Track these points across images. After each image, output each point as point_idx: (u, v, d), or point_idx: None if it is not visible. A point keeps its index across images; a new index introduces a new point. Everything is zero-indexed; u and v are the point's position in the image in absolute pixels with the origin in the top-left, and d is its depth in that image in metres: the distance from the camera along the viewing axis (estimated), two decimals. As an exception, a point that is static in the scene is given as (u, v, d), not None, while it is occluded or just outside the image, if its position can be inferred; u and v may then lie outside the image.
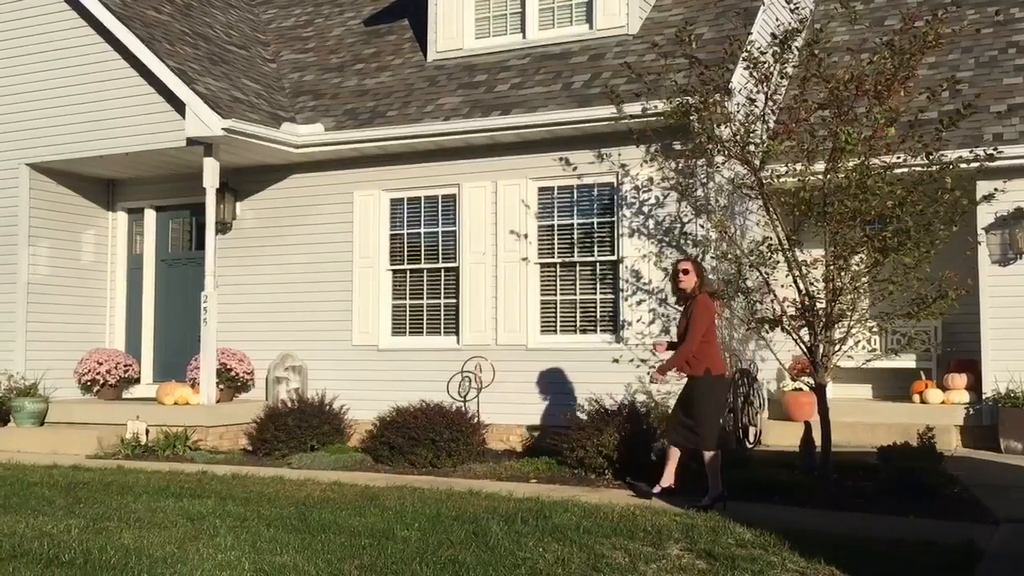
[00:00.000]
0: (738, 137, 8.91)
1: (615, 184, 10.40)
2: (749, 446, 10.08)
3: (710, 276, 8.80)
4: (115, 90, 11.50)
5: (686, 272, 7.74)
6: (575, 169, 10.51)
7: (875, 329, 9.50)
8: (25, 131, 12.09)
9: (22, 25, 12.15)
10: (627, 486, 8.13)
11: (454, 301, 11.17)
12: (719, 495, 7.37)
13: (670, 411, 8.21)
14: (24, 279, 12.13)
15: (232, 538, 6.33)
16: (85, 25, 11.66)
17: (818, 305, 8.59)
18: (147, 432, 10.67)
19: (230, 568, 5.60)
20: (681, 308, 7.98)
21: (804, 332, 8.74)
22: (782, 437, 10.31)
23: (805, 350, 8.72)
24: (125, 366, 12.53)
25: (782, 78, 9.00)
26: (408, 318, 11.46)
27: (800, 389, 10.81)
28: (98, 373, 12.26)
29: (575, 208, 10.65)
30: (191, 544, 6.18)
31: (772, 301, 9.01)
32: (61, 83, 11.83)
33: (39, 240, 12.31)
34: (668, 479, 7.75)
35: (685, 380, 7.80)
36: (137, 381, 12.78)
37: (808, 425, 8.77)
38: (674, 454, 7.76)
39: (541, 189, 10.79)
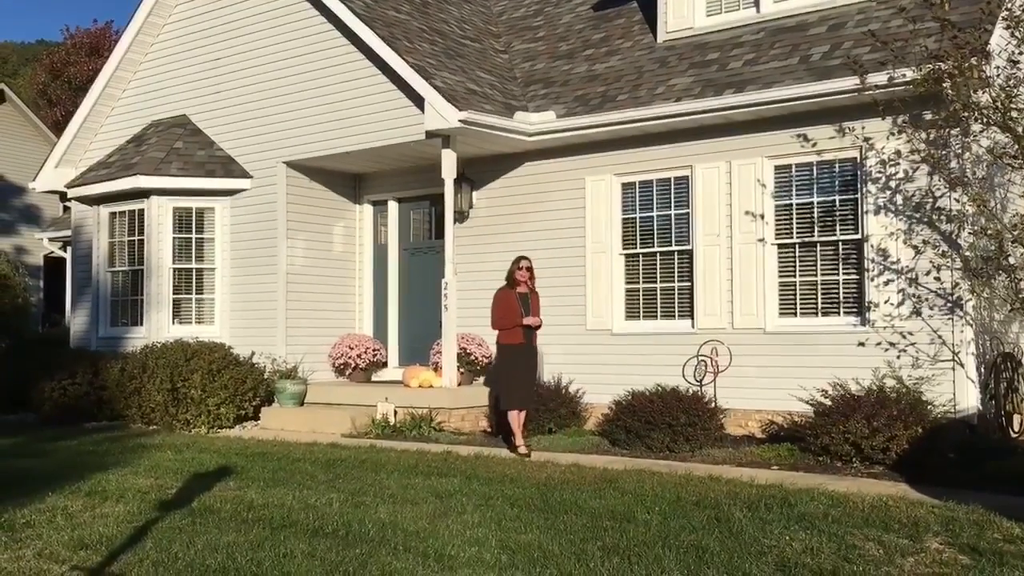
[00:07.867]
0: (998, 103, 8.31)
1: (858, 159, 9.90)
2: (1013, 435, 9.35)
3: None
4: (359, 88, 12.15)
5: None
6: (814, 145, 10.09)
7: None
8: (281, 131, 13.00)
9: (276, 32, 13.05)
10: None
11: (688, 284, 11.02)
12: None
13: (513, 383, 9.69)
14: (283, 269, 13.06)
15: (478, 516, 6.56)
16: (332, 28, 12.38)
17: (1094, 283, 7.86)
18: (395, 413, 11.24)
19: (478, 544, 5.80)
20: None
21: (1078, 312, 8.02)
22: (1051, 427, 9.51)
23: (1079, 332, 8.00)
24: (374, 350, 13.24)
25: (1049, 36, 8.27)
26: (641, 302, 11.43)
27: (1072, 375, 9.91)
28: (349, 357, 13.03)
29: (814, 186, 10.23)
30: (440, 520, 6.46)
31: (1039, 279, 8.33)
32: (311, 84, 12.63)
33: (295, 233, 13.21)
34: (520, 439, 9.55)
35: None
36: (384, 365, 13.47)
37: (1084, 414, 8.04)
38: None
39: (777, 167, 10.44)
